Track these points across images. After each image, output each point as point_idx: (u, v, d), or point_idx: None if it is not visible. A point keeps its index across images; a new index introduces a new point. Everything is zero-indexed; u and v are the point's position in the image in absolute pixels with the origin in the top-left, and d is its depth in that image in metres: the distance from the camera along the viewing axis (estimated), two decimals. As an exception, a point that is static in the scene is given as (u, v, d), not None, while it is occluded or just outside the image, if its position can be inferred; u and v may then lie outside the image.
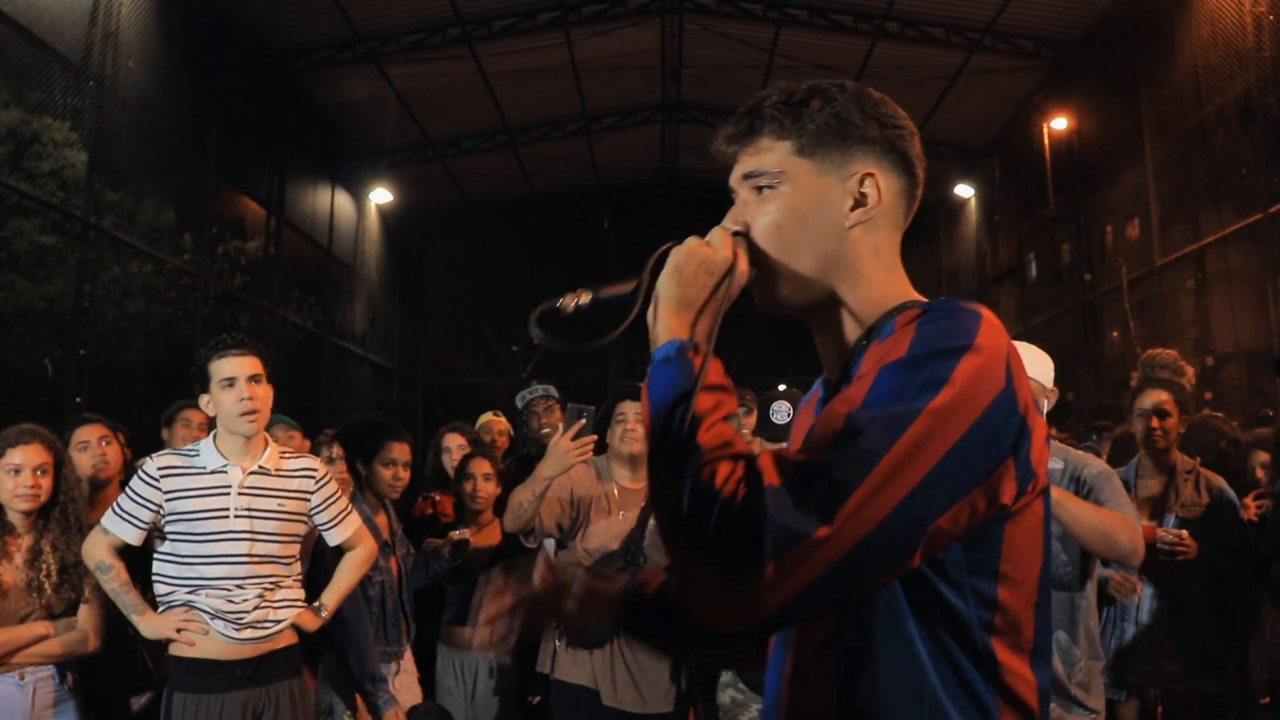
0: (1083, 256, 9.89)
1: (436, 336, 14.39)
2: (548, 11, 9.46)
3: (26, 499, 2.68)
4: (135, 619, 2.58)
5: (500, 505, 3.32)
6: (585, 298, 1.07)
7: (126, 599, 2.59)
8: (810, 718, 1.01)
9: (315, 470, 2.76)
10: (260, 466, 2.64)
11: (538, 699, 3.07)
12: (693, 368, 0.96)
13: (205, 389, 2.58)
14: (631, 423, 3.05)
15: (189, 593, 2.55)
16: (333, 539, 2.82)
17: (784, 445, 1.72)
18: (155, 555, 2.63)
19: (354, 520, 2.85)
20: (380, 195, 12.28)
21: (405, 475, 3.33)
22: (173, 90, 7.48)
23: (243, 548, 2.57)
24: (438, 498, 4.11)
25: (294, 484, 2.70)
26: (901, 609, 0.94)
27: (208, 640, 2.53)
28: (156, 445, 3.68)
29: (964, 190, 12.57)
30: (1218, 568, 3.22)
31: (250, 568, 2.57)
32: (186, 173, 8.10)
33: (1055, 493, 2.28)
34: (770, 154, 1.07)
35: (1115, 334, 9.35)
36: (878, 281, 1.07)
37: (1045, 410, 2.64)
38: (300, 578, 2.76)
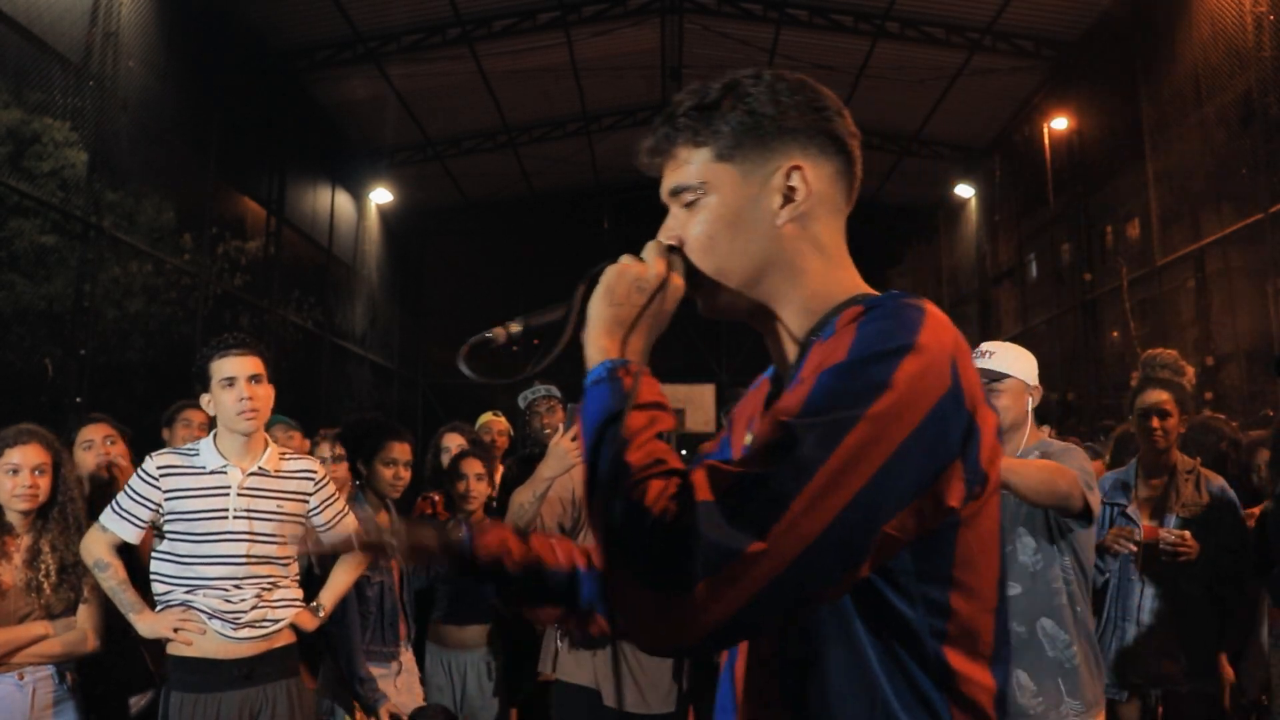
0: (1083, 256, 9.88)
1: (436, 336, 14.35)
2: (548, 11, 9.46)
3: (25, 499, 2.68)
4: (133, 617, 2.59)
5: (500, 506, 3.31)
6: (515, 328, 1.06)
7: (124, 597, 2.59)
8: None
9: (314, 472, 2.77)
10: (260, 468, 2.64)
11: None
12: (623, 387, 0.94)
13: (206, 389, 2.59)
14: None
15: (187, 592, 2.55)
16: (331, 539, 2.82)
17: None
18: (153, 554, 2.63)
19: (351, 521, 2.85)
20: (380, 195, 12.28)
21: (406, 475, 3.36)
22: (173, 90, 7.48)
23: (241, 548, 2.57)
24: (437, 498, 4.10)
25: (293, 485, 2.70)
26: (850, 619, 0.92)
27: (205, 639, 2.54)
28: (157, 445, 3.65)
29: (964, 190, 12.58)
30: (1218, 568, 3.23)
31: (248, 568, 2.58)
32: (186, 173, 8.10)
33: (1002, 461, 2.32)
34: (690, 165, 1.05)
35: (1115, 334, 9.34)
36: (820, 275, 1.05)
37: (1031, 407, 2.65)
38: (298, 577, 2.76)
